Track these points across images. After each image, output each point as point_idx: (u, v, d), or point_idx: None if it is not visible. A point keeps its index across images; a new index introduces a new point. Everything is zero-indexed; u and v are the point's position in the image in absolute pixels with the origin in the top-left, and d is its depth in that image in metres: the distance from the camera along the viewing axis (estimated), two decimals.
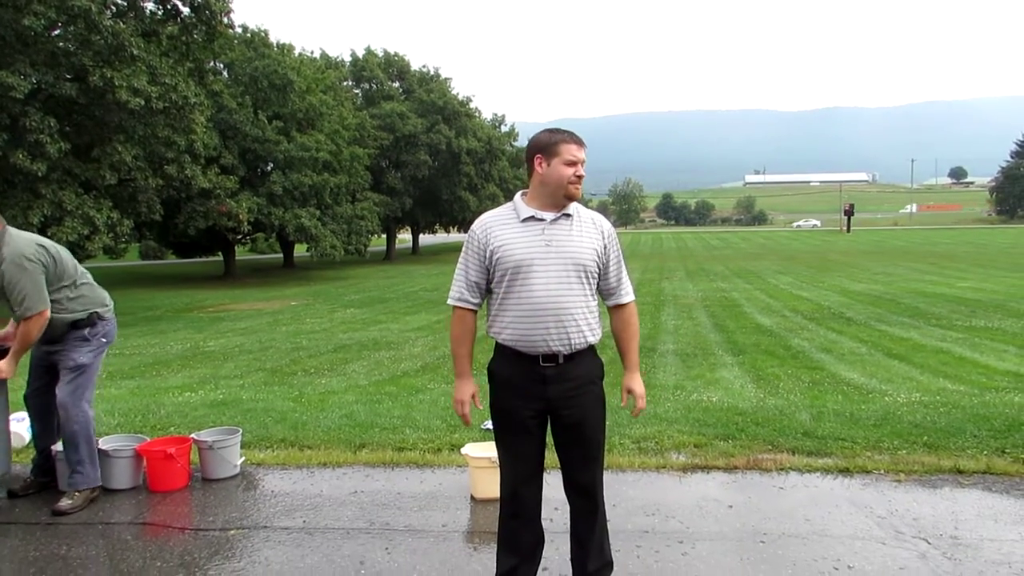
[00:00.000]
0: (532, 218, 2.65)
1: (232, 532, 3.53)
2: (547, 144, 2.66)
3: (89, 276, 4.16)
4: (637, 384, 2.82)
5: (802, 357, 10.03)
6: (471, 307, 2.75)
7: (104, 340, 4.08)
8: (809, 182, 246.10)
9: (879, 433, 4.90)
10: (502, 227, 2.67)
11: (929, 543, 3.28)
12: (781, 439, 4.79)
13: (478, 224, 2.74)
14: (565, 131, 2.69)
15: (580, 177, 2.65)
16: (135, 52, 17.37)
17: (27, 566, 3.21)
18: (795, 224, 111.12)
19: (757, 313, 15.60)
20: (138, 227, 25.98)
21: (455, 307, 2.76)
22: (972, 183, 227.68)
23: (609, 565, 2.83)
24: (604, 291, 2.80)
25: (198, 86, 20.84)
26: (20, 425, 5.14)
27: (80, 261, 4.30)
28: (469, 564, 3.17)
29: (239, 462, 4.38)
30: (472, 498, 3.89)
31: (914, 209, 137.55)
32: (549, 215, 2.65)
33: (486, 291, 2.75)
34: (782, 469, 4.26)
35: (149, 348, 12.46)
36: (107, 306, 4.14)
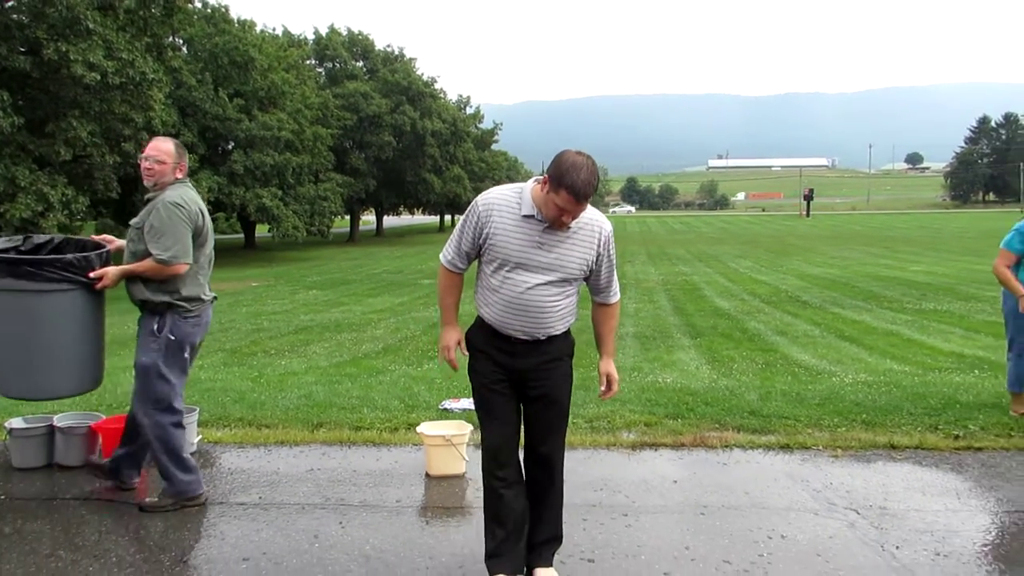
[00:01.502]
0: (532, 217, 2.68)
1: (187, 508, 3.57)
2: (558, 177, 2.56)
3: (208, 266, 3.76)
4: (614, 369, 2.95)
5: (757, 340, 10.25)
6: (458, 271, 2.87)
7: (172, 338, 3.56)
8: (771, 167, 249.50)
9: (821, 411, 5.11)
10: (503, 215, 2.71)
11: (859, 513, 3.47)
12: (728, 418, 4.97)
13: (483, 201, 2.77)
14: (583, 176, 2.54)
15: (565, 222, 2.64)
16: (90, 26, 16.93)
17: None
18: (611, 210, 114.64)
19: (716, 296, 15.86)
20: (94, 205, 25.40)
21: (445, 268, 2.88)
22: (928, 168, 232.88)
23: (558, 539, 2.94)
24: (593, 288, 2.90)
25: (156, 62, 20.38)
26: None
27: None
28: (421, 537, 3.27)
29: (195, 440, 4.42)
30: (427, 475, 3.98)
31: (743, 196, 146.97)
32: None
33: (475, 260, 2.85)
34: (727, 446, 4.43)
35: (108, 328, 12.26)
36: (190, 302, 3.61)
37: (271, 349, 9.64)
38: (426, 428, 4.11)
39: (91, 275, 3.45)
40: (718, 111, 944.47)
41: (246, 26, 32.72)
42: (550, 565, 2.88)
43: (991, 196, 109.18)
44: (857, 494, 3.70)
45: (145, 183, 3.66)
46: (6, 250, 3.59)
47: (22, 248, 3.61)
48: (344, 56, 46.45)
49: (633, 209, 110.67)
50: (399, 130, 44.06)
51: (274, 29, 41.58)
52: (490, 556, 2.82)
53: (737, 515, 3.46)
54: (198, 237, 3.60)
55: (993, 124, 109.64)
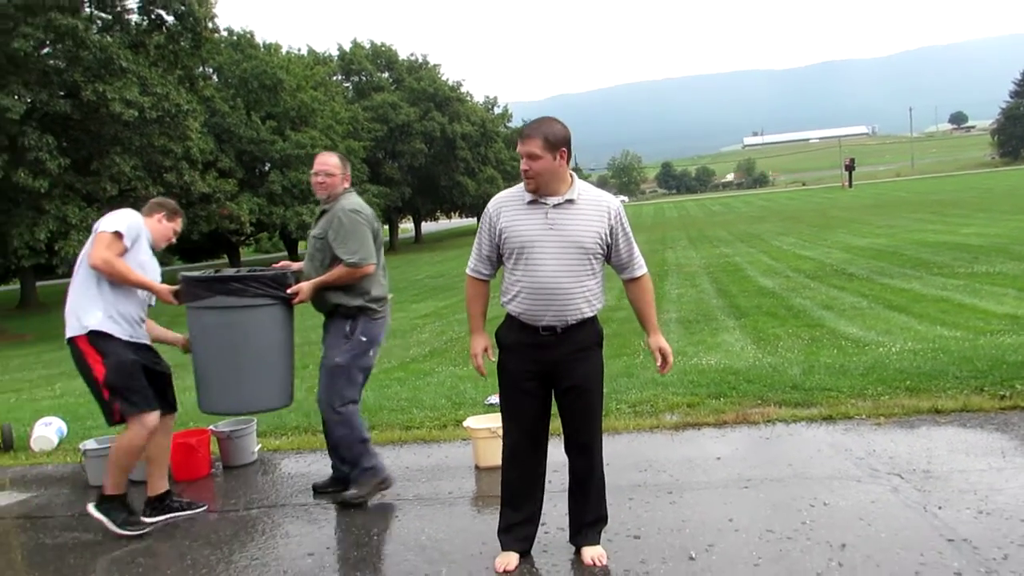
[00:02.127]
0: (536, 201, 2.86)
1: (253, 511, 3.79)
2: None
3: (384, 267, 3.94)
4: (664, 342, 2.98)
5: (803, 316, 10.15)
6: (483, 278, 3.02)
7: (364, 339, 3.75)
8: (808, 139, 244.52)
9: (864, 381, 5.11)
10: (510, 208, 2.90)
11: (902, 478, 3.50)
12: (770, 393, 5.02)
13: (492, 203, 2.98)
14: (532, 121, 2.86)
15: (527, 172, 2.80)
16: (124, 64, 17.62)
17: (66, 553, 3.48)
18: None
19: (759, 276, 15.70)
20: None
21: (469, 276, 3.04)
22: (973, 127, 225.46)
23: (604, 519, 3.06)
24: (616, 266, 3.00)
25: (189, 93, 21.08)
26: (48, 429, 5.40)
27: None
28: (474, 525, 3.42)
29: (256, 449, 4.65)
30: (476, 467, 4.13)
31: (731, 177, 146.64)
32: (552, 199, 2.84)
33: (498, 263, 3.00)
34: (769, 421, 4.48)
35: (162, 352, 12.71)
36: (378, 302, 3.81)
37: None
38: (472, 422, 4.25)
39: (288, 291, 3.67)
40: (750, 88, 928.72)
41: (272, 49, 33.47)
42: (597, 543, 3.00)
43: None
44: (900, 459, 3.72)
45: (318, 196, 3.88)
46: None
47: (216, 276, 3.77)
48: (369, 69, 47.13)
49: (626, 199, 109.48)
50: (429, 136, 44.51)
51: (299, 49, 42.58)
52: (502, 531, 3.04)
53: (780, 486, 3.52)
54: (375, 240, 3.81)
55: None
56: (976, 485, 3.35)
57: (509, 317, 2.96)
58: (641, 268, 3.00)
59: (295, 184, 30.55)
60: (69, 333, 3.57)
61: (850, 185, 73.53)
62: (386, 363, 9.21)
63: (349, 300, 3.72)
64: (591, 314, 2.90)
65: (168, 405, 3.82)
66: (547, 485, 3.10)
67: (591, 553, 2.95)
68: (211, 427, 4.67)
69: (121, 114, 17.47)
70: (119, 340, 3.56)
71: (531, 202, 2.85)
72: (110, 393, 3.54)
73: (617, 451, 4.16)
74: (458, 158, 47.03)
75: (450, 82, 49.10)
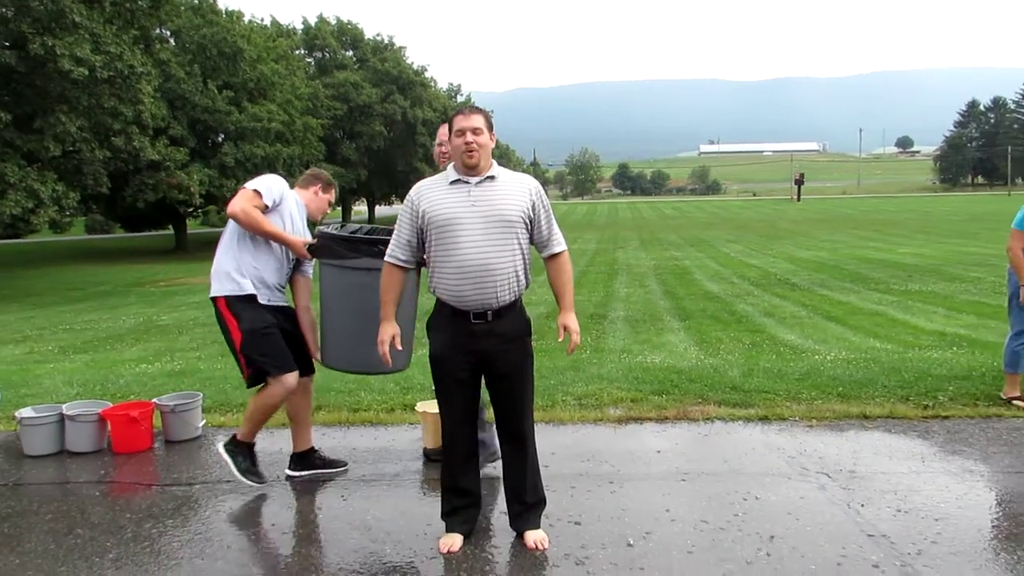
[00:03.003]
0: (459, 181, 2.94)
1: (196, 487, 3.77)
2: (449, 120, 3.01)
3: None
4: (571, 321, 3.00)
5: (745, 321, 10.44)
6: (401, 264, 3.04)
7: None
8: (762, 152, 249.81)
9: (800, 386, 5.32)
10: (432, 191, 2.97)
11: (829, 477, 3.70)
12: (711, 393, 5.19)
13: (414, 188, 3.06)
14: (465, 105, 3.01)
15: (470, 144, 2.88)
16: (77, 19, 16.95)
17: (1, 522, 3.41)
18: None
19: (707, 280, 16.06)
20: (84, 200, 25.41)
21: (387, 262, 3.05)
22: (918, 152, 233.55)
23: (542, 501, 3.16)
24: (537, 243, 3.06)
25: (144, 55, 20.44)
26: None
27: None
28: (419, 507, 3.47)
29: (200, 424, 4.60)
30: (425, 449, 4.17)
31: None
32: (474, 179, 2.93)
33: (419, 249, 3.02)
34: (708, 419, 4.65)
35: (101, 323, 12.41)
36: None
37: None
38: (422, 406, 4.29)
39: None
40: (710, 96, 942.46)
41: (234, 17, 32.62)
42: (538, 527, 3.09)
43: (980, 179, 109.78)
44: (829, 460, 3.92)
45: (441, 166, 3.81)
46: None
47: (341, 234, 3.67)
48: (333, 46, 46.37)
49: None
50: (390, 119, 44.06)
51: (262, 19, 41.46)
52: (446, 514, 3.11)
53: (715, 480, 3.67)
54: None
55: (982, 108, 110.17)
56: (896, 486, 3.56)
57: (440, 303, 3.00)
58: (560, 245, 3.06)
59: (248, 157, 29.85)
60: (212, 293, 3.64)
61: (799, 199, 75.53)
62: None
63: None
64: (519, 292, 2.96)
65: (305, 367, 3.83)
66: (492, 471, 3.17)
67: (533, 537, 3.04)
68: (155, 400, 4.61)
69: (70, 71, 16.80)
70: (257, 303, 3.59)
71: (454, 182, 2.93)
72: (246, 359, 3.60)
73: (562, 441, 4.27)
74: (417, 143, 46.64)
75: (415, 66, 48.66)
